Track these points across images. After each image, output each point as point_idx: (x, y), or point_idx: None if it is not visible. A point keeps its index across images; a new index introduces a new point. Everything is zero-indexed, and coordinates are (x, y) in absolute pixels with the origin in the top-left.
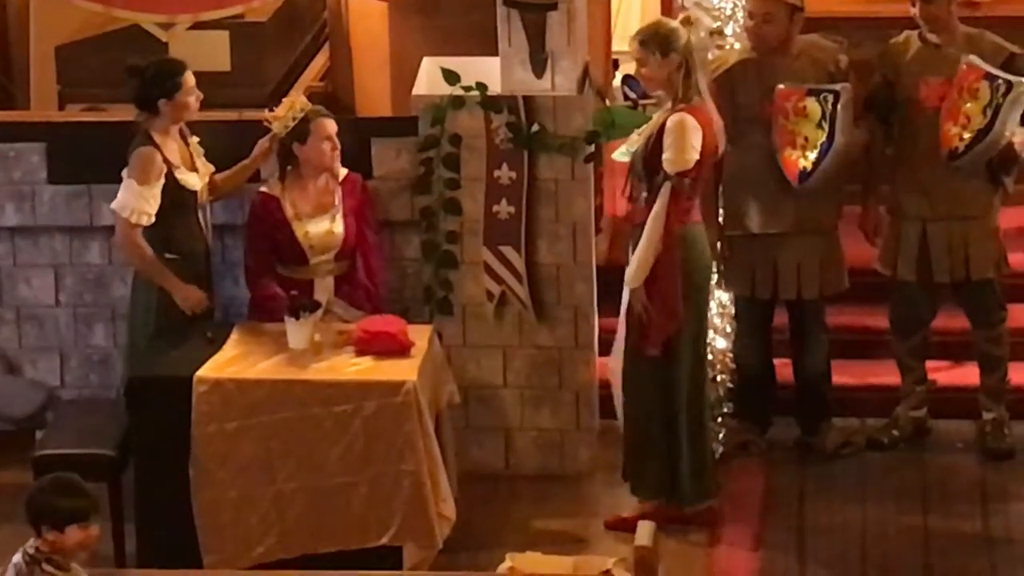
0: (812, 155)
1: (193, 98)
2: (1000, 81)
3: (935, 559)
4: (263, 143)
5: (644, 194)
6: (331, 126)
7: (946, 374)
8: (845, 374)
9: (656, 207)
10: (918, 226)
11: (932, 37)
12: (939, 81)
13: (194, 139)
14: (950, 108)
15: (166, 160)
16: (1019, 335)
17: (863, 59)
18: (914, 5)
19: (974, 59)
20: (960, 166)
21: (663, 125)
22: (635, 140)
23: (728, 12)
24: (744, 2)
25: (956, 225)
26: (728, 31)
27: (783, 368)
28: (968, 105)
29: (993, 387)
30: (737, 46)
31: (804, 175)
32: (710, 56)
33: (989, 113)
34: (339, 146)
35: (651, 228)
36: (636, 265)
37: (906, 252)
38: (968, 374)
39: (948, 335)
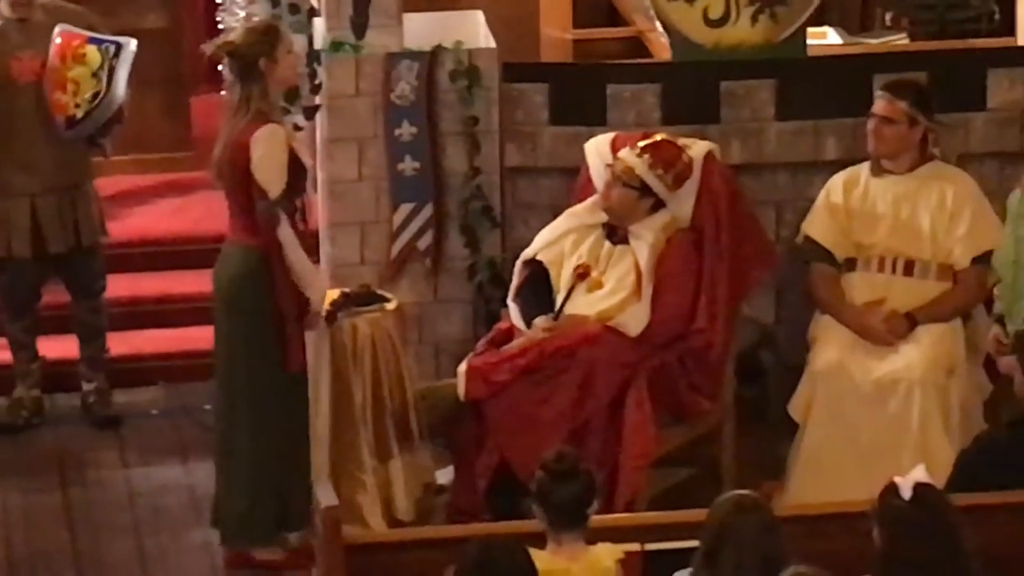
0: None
1: None
2: (108, 44)
3: (16, 535)
4: None
5: None
6: None
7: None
8: None
9: None
10: (27, 201)
11: (16, 13)
12: (30, 54)
13: None
14: (56, 78)
15: None
16: (116, 305)
17: None
18: None
19: (68, 27)
20: (79, 134)
21: None
22: None
23: None
24: None
25: (64, 195)
26: None
27: None
28: (75, 71)
29: (95, 356)
30: None
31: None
32: None
33: (103, 76)
34: None
35: None
36: None
37: (19, 229)
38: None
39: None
